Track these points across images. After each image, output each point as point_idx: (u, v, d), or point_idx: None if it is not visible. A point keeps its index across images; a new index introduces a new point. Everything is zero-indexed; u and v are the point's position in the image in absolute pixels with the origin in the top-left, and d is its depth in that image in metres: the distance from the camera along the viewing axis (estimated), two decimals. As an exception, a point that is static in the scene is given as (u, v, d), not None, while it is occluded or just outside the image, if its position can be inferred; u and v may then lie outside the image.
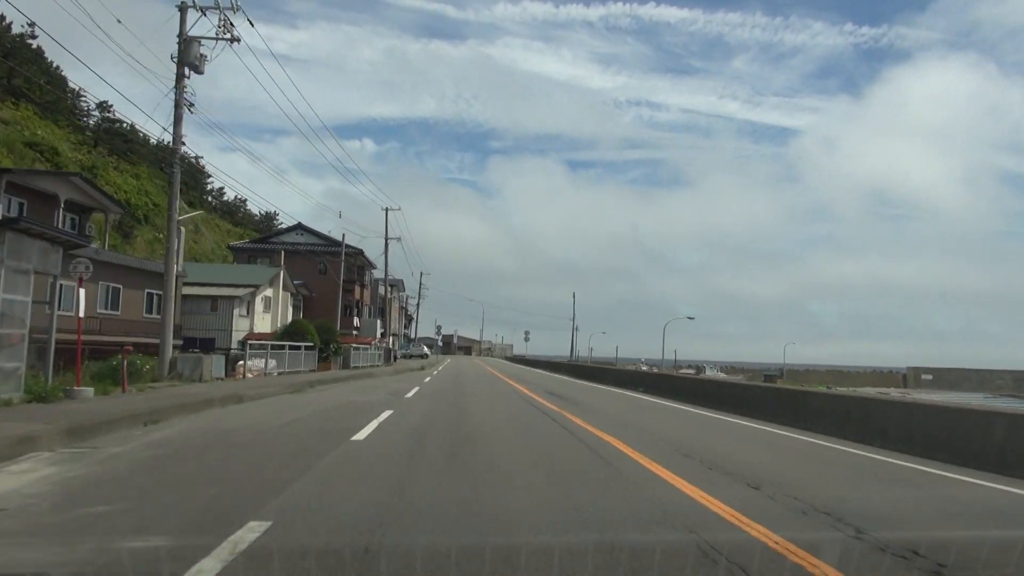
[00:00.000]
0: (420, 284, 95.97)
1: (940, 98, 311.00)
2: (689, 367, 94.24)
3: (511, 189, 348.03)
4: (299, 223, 60.59)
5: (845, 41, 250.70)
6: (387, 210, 58.88)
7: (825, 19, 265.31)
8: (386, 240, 58.71)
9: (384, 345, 55.83)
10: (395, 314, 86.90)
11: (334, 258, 58.37)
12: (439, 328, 79.64)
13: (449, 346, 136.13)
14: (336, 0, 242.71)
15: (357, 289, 62.30)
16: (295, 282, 52.98)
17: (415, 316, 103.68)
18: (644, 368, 63.61)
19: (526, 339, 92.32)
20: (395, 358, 59.60)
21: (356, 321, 61.17)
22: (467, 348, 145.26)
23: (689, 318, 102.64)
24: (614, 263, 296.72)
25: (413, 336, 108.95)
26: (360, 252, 60.72)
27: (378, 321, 64.93)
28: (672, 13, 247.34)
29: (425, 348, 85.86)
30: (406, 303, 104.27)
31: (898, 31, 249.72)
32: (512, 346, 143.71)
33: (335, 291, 58.78)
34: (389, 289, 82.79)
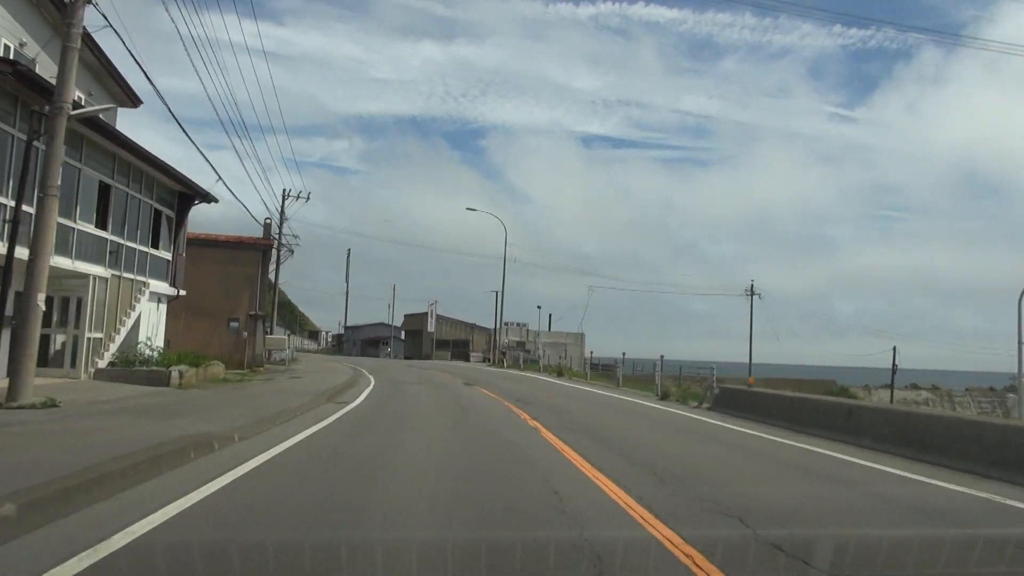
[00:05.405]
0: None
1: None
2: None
3: (515, 175, 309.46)
4: None
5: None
6: None
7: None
8: None
9: None
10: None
11: None
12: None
13: (419, 340, 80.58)
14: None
15: None
16: None
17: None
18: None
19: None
20: None
21: None
22: (461, 344, 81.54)
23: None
24: (630, 253, 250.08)
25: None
26: None
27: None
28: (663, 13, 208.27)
29: None
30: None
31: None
32: (584, 335, 73.76)
33: None
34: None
